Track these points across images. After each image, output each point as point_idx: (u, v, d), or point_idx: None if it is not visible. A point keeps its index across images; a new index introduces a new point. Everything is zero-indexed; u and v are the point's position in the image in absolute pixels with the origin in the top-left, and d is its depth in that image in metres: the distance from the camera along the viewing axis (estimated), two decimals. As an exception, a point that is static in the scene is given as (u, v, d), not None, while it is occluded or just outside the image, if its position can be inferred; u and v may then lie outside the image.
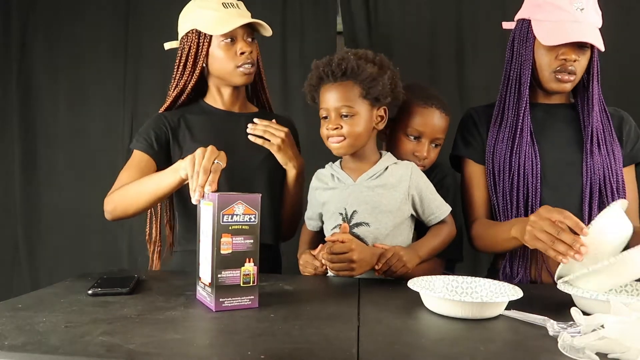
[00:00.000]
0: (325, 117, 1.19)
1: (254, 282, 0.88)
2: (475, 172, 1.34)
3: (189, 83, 1.37)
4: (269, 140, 1.34)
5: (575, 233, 0.94)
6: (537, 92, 1.32)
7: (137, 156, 1.32)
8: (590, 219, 1.19)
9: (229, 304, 0.86)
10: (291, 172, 1.39)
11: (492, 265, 1.39)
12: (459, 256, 1.33)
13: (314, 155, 1.41)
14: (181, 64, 1.37)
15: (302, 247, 1.36)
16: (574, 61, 1.20)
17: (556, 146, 1.27)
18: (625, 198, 1.24)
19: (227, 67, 1.33)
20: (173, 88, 1.40)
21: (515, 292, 0.87)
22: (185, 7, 1.38)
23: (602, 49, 1.19)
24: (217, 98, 1.42)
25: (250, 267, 0.87)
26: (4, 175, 2.17)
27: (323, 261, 1.15)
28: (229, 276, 0.86)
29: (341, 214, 1.20)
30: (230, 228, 0.85)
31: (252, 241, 0.87)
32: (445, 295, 0.91)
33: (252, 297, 0.88)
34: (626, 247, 1.20)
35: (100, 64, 2.11)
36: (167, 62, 1.48)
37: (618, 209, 0.97)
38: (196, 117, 1.39)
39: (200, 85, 1.42)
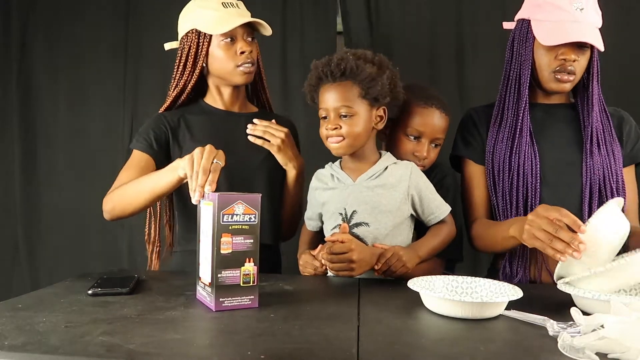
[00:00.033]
0: (325, 117, 1.19)
1: (254, 282, 0.88)
2: (475, 173, 1.34)
3: (189, 83, 1.37)
4: (269, 141, 1.34)
5: (573, 231, 0.94)
6: (536, 92, 1.32)
7: (136, 156, 1.32)
8: (590, 219, 1.19)
9: (229, 304, 0.86)
10: (291, 173, 1.39)
11: (492, 265, 1.39)
12: (459, 256, 1.33)
13: (314, 155, 1.41)
14: (181, 64, 1.37)
15: (302, 247, 1.36)
16: (574, 61, 1.20)
17: (556, 146, 1.27)
18: (625, 198, 1.24)
19: (227, 66, 1.33)
20: (173, 88, 1.40)
21: (515, 292, 0.87)
22: (185, 7, 1.38)
23: (602, 49, 1.19)
24: (217, 98, 1.42)
25: (250, 267, 0.87)
26: (4, 175, 2.17)
27: (323, 261, 1.15)
28: (229, 276, 0.86)
29: (341, 214, 1.20)
30: (230, 228, 0.85)
31: (252, 241, 0.88)
32: (445, 295, 0.91)
33: (252, 297, 0.88)
34: (625, 247, 1.21)
35: (100, 64, 2.11)
36: (167, 62, 1.48)
37: (614, 207, 0.97)
38: (196, 117, 1.39)
39: (200, 85, 1.42)
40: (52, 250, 2.14)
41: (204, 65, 1.36)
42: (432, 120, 1.29)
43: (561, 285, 0.93)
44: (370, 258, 1.12)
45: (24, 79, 2.14)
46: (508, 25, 1.34)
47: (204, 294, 0.90)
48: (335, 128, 1.16)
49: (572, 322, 0.74)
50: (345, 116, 1.16)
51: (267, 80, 1.50)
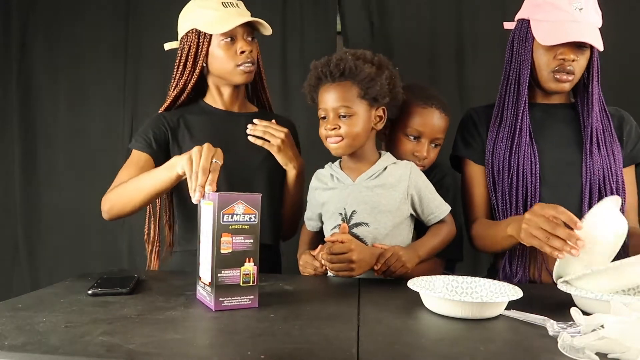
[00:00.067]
0: (324, 118, 1.19)
1: (253, 282, 0.88)
2: (475, 173, 1.34)
3: (188, 82, 1.37)
4: (269, 141, 1.34)
5: (570, 228, 0.94)
6: (536, 92, 1.32)
7: (135, 156, 1.32)
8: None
9: (229, 304, 0.86)
10: (291, 173, 1.39)
11: (492, 265, 1.39)
12: (459, 256, 1.33)
13: (314, 155, 1.41)
14: (181, 64, 1.37)
15: (302, 247, 1.36)
16: (573, 61, 1.20)
17: (555, 146, 1.27)
18: (625, 199, 1.24)
19: (227, 66, 1.33)
20: (173, 88, 1.40)
21: (515, 292, 0.87)
22: (185, 6, 1.38)
23: (601, 48, 1.19)
24: (217, 98, 1.42)
25: (250, 267, 0.87)
26: (4, 175, 2.17)
27: (323, 261, 1.15)
28: (229, 276, 0.86)
29: (340, 214, 1.20)
30: (230, 228, 0.86)
31: (252, 241, 0.88)
32: (445, 295, 0.91)
33: (252, 296, 0.88)
34: (625, 248, 1.21)
35: (100, 64, 2.11)
36: (167, 62, 1.48)
37: (611, 204, 0.98)
38: (196, 117, 1.39)
39: (200, 85, 1.42)
40: (52, 250, 2.14)
41: (204, 65, 1.36)
42: (431, 121, 1.29)
43: (561, 285, 0.93)
44: (370, 258, 1.12)
45: (24, 79, 2.14)
46: (509, 25, 1.34)
47: (203, 293, 0.90)
48: (334, 128, 1.16)
49: (572, 322, 0.74)
50: (344, 116, 1.16)
51: (267, 80, 1.50)
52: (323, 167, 1.31)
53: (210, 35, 1.32)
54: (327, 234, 1.23)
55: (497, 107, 1.33)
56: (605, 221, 0.95)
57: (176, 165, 1.06)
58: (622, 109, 1.34)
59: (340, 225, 1.18)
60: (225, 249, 0.85)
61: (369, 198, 1.18)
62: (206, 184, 0.95)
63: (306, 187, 1.36)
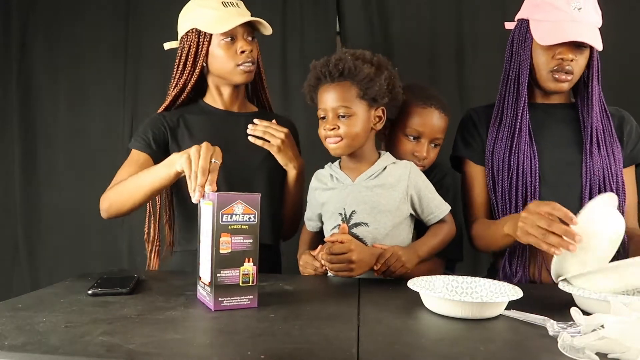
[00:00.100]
0: (323, 118, 1.19)
1: (253, 282, 0.88)
2: (475, 173, 1.34)
3: (188, 82, 1.37)
4: (269, 141, 1.34)
5: (566, 224, 0.95)
6: (536, 92, 1.32)
7: (134, 155, 1.32)
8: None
9: (228, 304, 0.86)
10: (291, 173, 1.38)
11: (492, 265, 1.39)
12: (459, 256, 1.34)
13: (314, 155, 1.41)
14: (181, 63, 1.37)
15: (302, 247, 1.36)
16: (571, 61, 1.20)
17: (555, 146, 1.27)
18: (625, 199, 1.24)
19: (227, 66, 1.33)
20: (172, 87, 1.40)
21: (515, 292, 0.87)
22: (185, 6, 1.38)
23: (600, 48, 1.19)
24: (217, 98, 1.42)
25: (249, 267, 0.87)
26: (4, 175, 2.17)
27: (322, 262, 1.15)
28: (228, 276, 0.86)
29: (340, 214, 1.20)
30: (229, 227, 0.86)
31: (251, 241, 0.88)
32: (445, 295, 0.91)
33: (251, 296, 0.88)
34: (625, 250, 1.21)
35: (100, 64, 2.11)
36: (167, 62, 1.48)
37: (607, 200, 0.98)
38: (195, 117, 1.39)
39: (200, 84, 1.42)
40: (52, 250, 2.14)
41: (204, 64, 1.36)
42: (431, 121, 1.29)
43: (562, 285, 0.93)
44: (369, 258, 1.12)
45: (24, 79, 2.14)
46: (510, 25, 1.34)
47: (203, 293, 0.90)
48: (334, 128, 1.16)
49: (572, 322, 0.74)
50: (343, 116, 1.16)
51: (267, 80, 1.50)
52: (323, 167, 1.31)
53: (211, 35, 1.32)
54: (327, 234, 1.23)
55: (497, 107, 1.33)
56: (600, 216, 0.96)
57: (175, 163, 1.06)
58: (622, 109, 1.34)
59: (339, 225, 1.18)
60: (224, 249, 0.85)
61: (369, 198, 1.18)
62: (206, 185, 0.95)
63: (306, 187, 1.36)
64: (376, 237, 1.18)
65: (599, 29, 1.21)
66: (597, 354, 0.64)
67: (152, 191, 1.17)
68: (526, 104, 1.27)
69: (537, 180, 1.23)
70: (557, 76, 1.22)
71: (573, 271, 0.93)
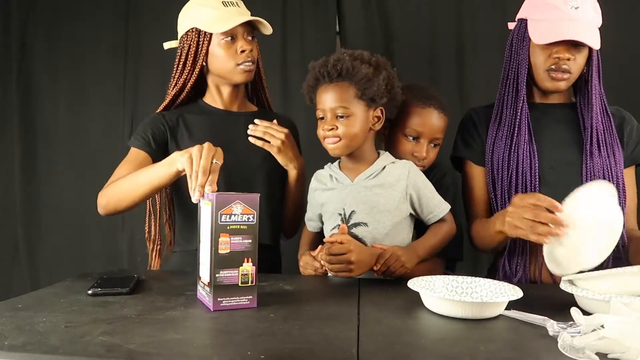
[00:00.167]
0: (322, 118, 1.19)
1: (252, 282, 0.88)
2: (476, 174, 1.34)
3: (188, 81, 1.37)
4: (269, 142, 1.34)
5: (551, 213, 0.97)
6: (536, 92, 1.32)
7: (133, 153, 1.32)
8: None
9: (227, 304, 0.86)
10: (292, 173, 1.38)
11: (492, 264, 1.39)
12: (459, 255, 1.33)
13: (314, 155, 1.41)
14: (181, 63, 1.37)
15: (303, 248, 1.36)
16: (568, 60, 1.20)
17: (555, 146, 1.27)
18: (625, 200, 1.24)
19: (227, 65, 1.33)
20: (172, 87, 1.40)
21: (515, 292, 0.87)
22: (184, 6, 1.38)
23: (596, 47, 1.18)
24: (217, 97, 1.42)
25: (248, 267, 0.87)
26: (4, 175, 2.17)
27: (322, 262, 1.15)
28: (227, 276, 0.86)
29: (340, 214, 1.20)
30: (228, 228, 0.85)
31: (250, 241, 0.87)
32: (445, 295, 0.91)
33: (251, 297, 0.88)
34: (625, 251, 1.20)
35: (100, 64, 2.11)
36: (167, 62, 1.48)
37: (594, 189, 0.99)
38: (195, 117, 1.39)
39: (200, 84, 1.42)
40: (52, 250, 2.14)
41: (204, 64, 1.36)
42: (430, 121, 1.29)
43: (564, 285, 0.92)
44: (369, 259, 1.12)
45: (24, 79, 2.15)
46: (512, 25, 1.34)
47: (203, 293, 0.90)
48: (332, 129, 1.16)
49: (572, 322, 0.74)
50: (341, 117, 1.16)
51: (267, 80, 1.50)
52: (323, 168, 1.31)
53: (211, 34, 1.32)
54: (327, 234, 1.23)
55: (497, 107, 1.33)
56: (586, 201, 0.97)
57: (176, 162, 1.06)
58: (622, 109, 1.34)
59: (339, 225, 1.18)
60: (223, 249, 0.85)
61: (368, 198, 1.18)
62: (206, 185, 0.95)
63: (307, 188, 1.36)
64: (376, 237, 1.18)
65: (600, 28, 1.21)
66: (597, 354, 0.64)
67: (151, 189, 1.17)
68: (525, 104, 1.27)
69: (537, 179, 1.23)
70: (554, 75, 1.22)
71: (565, 256, 0.95)
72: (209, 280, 0.87)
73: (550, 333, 0.73)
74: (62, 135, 2.13)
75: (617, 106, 1.34)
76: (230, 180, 1.27)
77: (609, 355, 0.64)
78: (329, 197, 1.24)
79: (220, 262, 0.85)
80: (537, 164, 1.24)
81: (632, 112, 1.34)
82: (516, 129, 1.26)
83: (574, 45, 1.19)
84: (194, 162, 0.98)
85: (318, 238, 1.33)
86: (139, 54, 2.09)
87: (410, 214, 1.22)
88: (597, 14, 1.21)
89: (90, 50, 2.11)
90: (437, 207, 1.21)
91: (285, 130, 1.34)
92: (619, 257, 1.20)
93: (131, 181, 1.18)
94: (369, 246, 1.16)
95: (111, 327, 0.74)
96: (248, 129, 1.35)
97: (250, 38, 1.35)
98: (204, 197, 0.94)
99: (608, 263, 1.18)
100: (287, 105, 1.97)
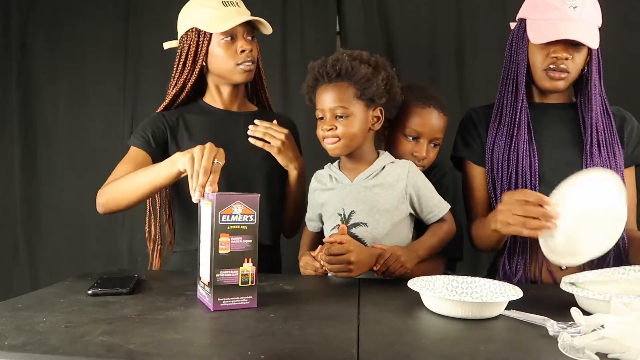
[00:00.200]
0: (321, 118, 1.19)
1: (252, 282, 0.88)
2: (476, 174, 1.34)
3: (188, 81, 1.37)
4: (269, 143, 1.34)
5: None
6: (536, 92, 1.32)
7: (133, 152, 1.32)
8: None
9: (227, 304, 0.86)
10: (292, 174, 1.38)
11: (492, 264, 1.39)
12: (459, 255, 1.33)
13: (314, 155, 1.41)
14: (181, 63, 1.37)
15: (303, 248, 1.36)
16: (566, 59, 1.19)
17: (555, 146, 1.27)
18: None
19: (227, 65, 1.33)
20: (172, 87, 1.40)
21: (515, 292, 0.87)
22: (184, 6, 1.38)
23: (594, 47, 1.18)
24: (217, 97, 1.42)
25: (248, 267, 0.87)
26: (4, 175, 2.17)
27: (322, 262, 1.15)
28: (227, 276, 0.86)
29: (339, 214, 1.20)
30: (228, 228, 0.85)
31: (250, 241, 0.87)
32: (445, 295, 0.91)
33: (251, 297, 0.88)
34: (626, 253, 1.20)
35: (100, 64, 2.11)
36: (167, 62, 1.48)
37: (583, 178, 1.00)
38: (195, 117, 1.39)
39: (200, 84, 1.42)
40: (52, 250, 2.14)
41: (204, 64, 1.36)
42: (430, 121, 1.29)
43: (563, 285, 0.92)
44: (368, 259, 1.12)
45: (24, 79, 2.15)
46: (514, 25, 1.34)
47: (203, 293, 0.90)
48: (331, 129, 1.16)
49: (572, 322, 0.74)
50: (341, 117, 1.16)
51: (267, 80, 1.50)
52: (323, 168, 1.31)
53: (210, 34, 1.32)
54: (327, 234, 1.23)
55: (497, 107, 1.33)
56: (575, 192, 0.98)
57: (177, 162, 1.06)
58: (622, 109, 1.34)
59: (339, 225, 1.18)
60: (223, 249, 0.85)
61: (367, 198, 1.18)
62: (207, 185, 0.95)
63: (307, 188, 1.36)
64: (375, 237, 1.18)
65: (600, 28, 1.21)
66: (597, 354, 0.64)
67: (152, 189, 1.16)
68: (525, 103, 1.27)
69: (537, 179, 1.23)
70: (552, 75, 1.22)
71: (561, 245, 0.97)
72: (209, 280, 0.87)
73: (550, 333, 0.73)
74: (62, 135, 2.13)
75: (617, 106, 1.34)
76: (230, 180, 1.27)
77: (609, 355, 0.64)
78: (329, 197, 1.24)
79: (220, 262, 0.85)
80: (537, 164, 1.24)
81: (632, 112, 1.34)
82: (516, 128, 1.26)
83: (572, 44, 1.19)
84: (196, 162, 0.98)
85: (318, 238, 1.33)
86: (139, 54, 2.09)
87: (410, 214, 1.22)
88: (597, 14, 1.21)
89: (90, 50, 2.11)
90: (437, 206, 1.21)
91: (285, 131, 1.34)
92: (620, 257, 1.20)
93: (131, 181, 1.18)
94: (368, 246, 1.16)
95: (111, 327, 0.74)
96: (248, 129, 1.35)
97: (250, 38, 1.35)
98: (204, 197, 0.94)
99: (609, 263, 1.18)
100: (287, 105, 1.97)
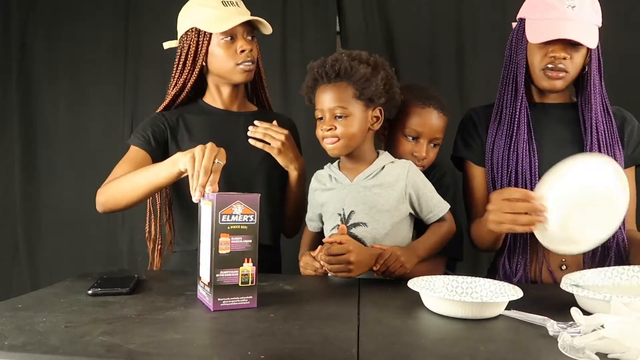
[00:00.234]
0: (321, 118, 1.19)
1: (252, 282, 0.88)
2: (476, 174, 1.34)
3: (188, 81, 1.37)
4: (269, 144, 1.34)
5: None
6: (536, 91, 1.32)
7: (133, 152, 1.32)
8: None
9: (227, 304, 0.86)
10: (292, 174, 1.38)
11: (492, 264, 1.39)
12: (459, 255, 1.33)
13: (314, 155, 1.41)
14: (180, 63, 1.37)
15: (303, 248, 1.36)
16: (564, 59, 1.19)
17: (555, 146, 1.27)
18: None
19: (227, 65, 1.33)
20: (172, 87, 1.40)
21: (515, 292, 0.87)
22: (184, 6, 1.38)
23: (592, 46, 1.18)
24: (216, 97, 1.42)
25: (248, 267, 0.87)
26: (4, 175, 2.17)
27: (322, 262, 1.15)
28: (227, 276, 0.86)
29: (339, 214, 1.20)
30: (228, 228, 0.85)
31: (250, 241, 0.87)
32: (445, 295, 0.91)
33: (251, 297, 0.88)
34: (626, 254, 1.20)
35: (100, 64, 2.11)
36: (167, 62, 1.48)
37: (566, 166, 1.01)
38: (195, 117, 1.39)
39: (200, 84, 1.42)
40: (52, 250, 2.14)
41: (204, 63, 1.36)
42: (430, 121, 1.29)
43: (563, 285, 0.92)
44: (368, 259, 1.12)
45: (24, 79, 2.15)
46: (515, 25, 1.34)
47: (203, 293, 0.90)
48: (331, 129, 1.16)
49: (572, 322, 0.74)
50: (340, 117, 1.16)
51: (267, 80, 1.50)
52: (322, 168, 1.31)
53: (210, 34, 1.32)
54: (327, 234, 1.23)
55: (497, 107, 1.33)
56: (560, 179, 1.00)
57: (178, 162, 1.06)
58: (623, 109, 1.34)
59: (339, 225, 1.18)
60: (223, 249, 0.85)
61: (367, 198, 1.18)
62: (207, 185, 0.95)
63: (307, 188, 1.36)
64: (375, 237, 1.18)
65: (600, 28, 1.21)
66: (597, 354, 0.64)
67: (152, 189, 1.16)
68: (525, 103, 1.27)
69: (537, 178, 1.23)
70: (550, 74, 1.21)
71: (556, 234, 0.98)
72: (209, 280, 0.87)
73: (550, 333, 0.73)
74: (62, 135, 2.13)
75: (617, 106, 1.33)
76: (230, 181, 1.27)
77: (609, 355, 0.64)
78: (329, 197, 1.24)
79: (220, 262, 0.85)
80: (537, 164, 1.24)
81: (632, 112, 1.34)
82: (515, 128, 1.26)
83: (571, 44, 1.19)
84: (196, 162, 0.98)
85: (319, 238, 1.33)
86: (139, 54, 2.09)
87: (410, 214, 1.22)
88: (596, 13, 1.20)
89: (90, 50, 2.11)
90: (437, 206, 1.21)
91: (285, 132, 1.34)
92: (620, 257, 1.20)
93: (132, 180, 1.18)
94: (368, 246, 1.16)
95: (111, 327, 0.74)
96: (248, 129, 1.35)
97: (250, 38, 1.35)
98: (204, 197, 0.94)
99: (609, 263, 1.18)
100: (287, 105, 1.97)
